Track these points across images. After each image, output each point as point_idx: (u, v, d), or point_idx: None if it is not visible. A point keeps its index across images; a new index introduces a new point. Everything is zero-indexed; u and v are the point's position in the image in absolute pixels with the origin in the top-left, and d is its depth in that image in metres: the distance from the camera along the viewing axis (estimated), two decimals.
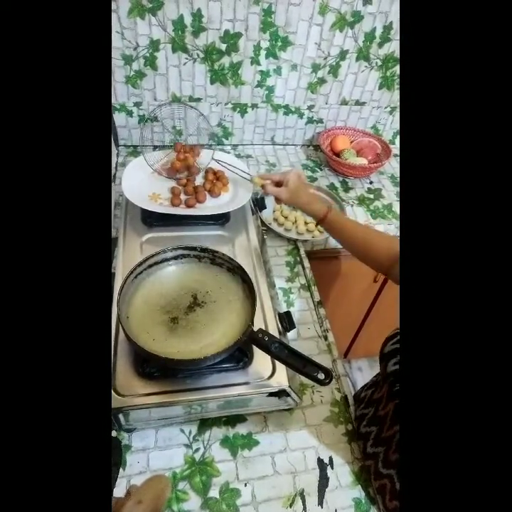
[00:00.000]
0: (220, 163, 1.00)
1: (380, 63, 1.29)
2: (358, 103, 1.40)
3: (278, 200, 0.89)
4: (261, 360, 0.69)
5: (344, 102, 1.39)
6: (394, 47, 1.26)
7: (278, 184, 0.88)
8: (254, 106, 1.33)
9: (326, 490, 0.69)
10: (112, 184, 1.17)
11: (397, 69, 1.32)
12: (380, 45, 1.25)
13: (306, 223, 1.13)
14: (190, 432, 0.73)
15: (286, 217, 1.13)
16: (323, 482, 0.70)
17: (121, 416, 0.65)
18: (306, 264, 1.06)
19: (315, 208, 0.84)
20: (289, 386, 0.67)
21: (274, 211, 1.16)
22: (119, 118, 1.27)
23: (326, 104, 1.38)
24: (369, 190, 1.33)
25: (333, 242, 1.22)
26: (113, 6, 1.03)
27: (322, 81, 1.31)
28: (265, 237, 1.08)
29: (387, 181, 1.38)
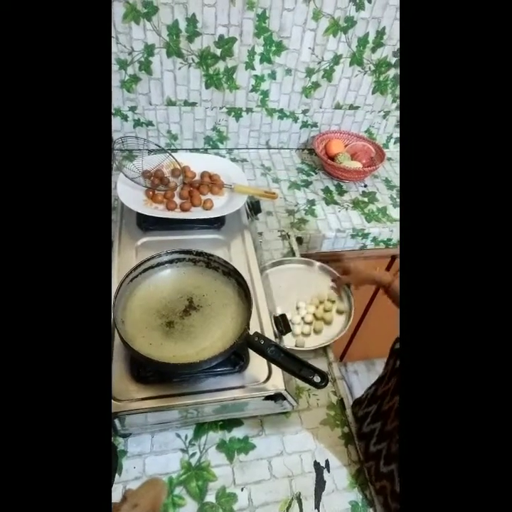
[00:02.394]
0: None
1: (373, 68, 1.31)
2: (351, 107, 1.41)
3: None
4: (257, 364, 0.69)
5: (338, 106, 1.40)
6: (386, 52, 1.28)
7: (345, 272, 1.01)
8: (249, 110, 1.33)
9: (323, 493, 0.69)
10: None
11: (390, 73, 1.33)
12: (373, 50, 1.26)
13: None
14: (186, 437, 0.73)
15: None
16: (320, 485, 0.70)
17: (117, 421, 0.64)
18: None
19: (381, 276, 0.90)
20: (285, 389, 0.67)
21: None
22: (114, 122, 1.27)
23: (320, 108, 1.39)
24: (363, 194, 1.34)
25: (328, 246, 1.23)
26: None
27: (316, 85, 1.32)
28: (261, 240, 1.08)
29: (381, 185, 1.39)
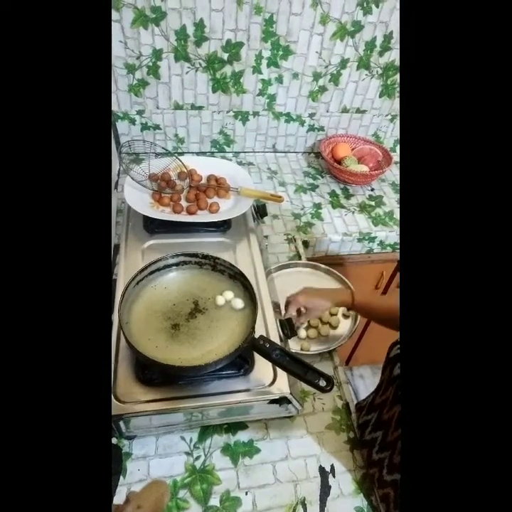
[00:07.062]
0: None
1: (380, 72, 1.30)
2: (358, 111, 1.41)
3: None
4: (262, 367, 0.69)
5: (345, 110, 1.40)
6: (394, 55, 1.27)
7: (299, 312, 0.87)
8: (255, 114, 1.34)
9: (328, 498, 0.69)
10: (114, 191, 1.18)
11: (397, 77, 1.33)
12: (381, 53, 1.26)
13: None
14: (190, 440, 0.73)
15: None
16: (325, 490, 0.69)
17: (121, 423, 0.64)
18: None
19: (340, 300, 0.85)
20: (290, 393, 0.67)
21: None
22: (121, 126, 1.29)
23: (327, 112, 1.39)
24: (370, 197, 1.34)
25: (334, 250, 1.23)
26: (117, 16, 1.05)
27: (323, 89, 1.32)
28: (266, 243, 1.08)
29: (388, 188, 1.38)
